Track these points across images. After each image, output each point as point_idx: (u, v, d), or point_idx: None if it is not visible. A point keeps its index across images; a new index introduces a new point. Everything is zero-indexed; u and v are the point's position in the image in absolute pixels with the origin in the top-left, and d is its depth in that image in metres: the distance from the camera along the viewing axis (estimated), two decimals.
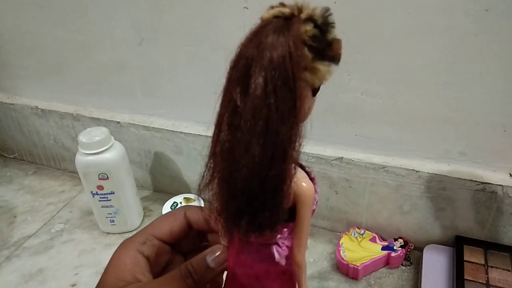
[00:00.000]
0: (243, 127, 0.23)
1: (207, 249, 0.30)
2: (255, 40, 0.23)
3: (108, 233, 0.76)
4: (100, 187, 0.69)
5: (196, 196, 0.78)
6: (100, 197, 0.71)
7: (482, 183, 0.58)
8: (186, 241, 0.34)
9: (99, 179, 0.68)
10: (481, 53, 0.51)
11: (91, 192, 0.70)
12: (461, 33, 0.51)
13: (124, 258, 0.30)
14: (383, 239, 0.67)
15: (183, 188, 0.80)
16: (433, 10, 0.51)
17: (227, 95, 0.25)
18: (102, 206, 0.72)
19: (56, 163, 0.93)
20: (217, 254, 0.29)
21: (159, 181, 0.83)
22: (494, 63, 0.51)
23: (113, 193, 0.70)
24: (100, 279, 0.31)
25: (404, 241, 0.65)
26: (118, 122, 0.78)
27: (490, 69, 0.52)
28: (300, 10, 0.24)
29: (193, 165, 0.77)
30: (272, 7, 0.25)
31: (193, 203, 0.76)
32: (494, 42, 0.50)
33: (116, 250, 0.32)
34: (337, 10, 0.58)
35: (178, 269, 0.29)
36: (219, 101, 0.25)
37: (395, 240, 0.66)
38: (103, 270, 0.32)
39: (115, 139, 0.72)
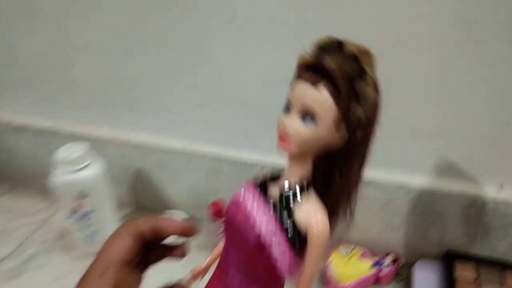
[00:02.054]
0: None
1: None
2: None
3: (87, 254, 0.72)
4: (78, 207, 0.66)
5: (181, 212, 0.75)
6: (79, 217, 0.67)
7: (472, 196, 0.58)
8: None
9: (78, 198, 0.65)
10: (470, 65, 0.51)
11: (69, 212, 0.67)
12: (450, 44, 0.50)
13: None
14: (373, 255, 0.65)
15: (166, 204, 0.78)
16: (421, 21, 0.50)
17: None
18: (81, 227, 0.68)
19: (33, 181, 0.89)
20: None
21: (142, 197, 0.80)
22: (483, 74, 0.51)
23: (92, 212, 0.67)
24: None
25: (394, 257, 0.64)
26: (98, 138, 0.76)
27: (480, 81, 0.52)
28: None
29: (176, 180, 0.74)
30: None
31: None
32: (483, 53, 0.50)
33: None
34: (328, 20, 0.57)
35: None
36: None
37: (385, 256, 0.64)
38: None
39: (94, 155, 0.69)
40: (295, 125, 0.31)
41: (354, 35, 0.54)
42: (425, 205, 0.60)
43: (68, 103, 0.77)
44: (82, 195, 0.65)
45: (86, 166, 0.64)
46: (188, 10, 0.60)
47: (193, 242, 0.73)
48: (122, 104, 0.73)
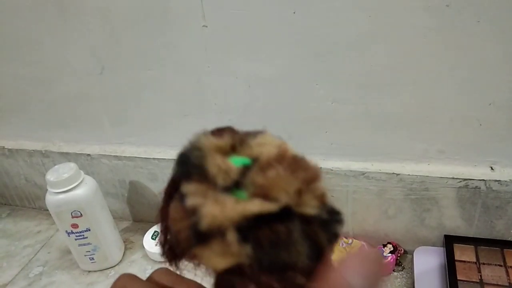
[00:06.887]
0: None
1: None
2: None
3: (90, 271, 0.72)
4: (75, 225, 0.66)
5: None
6: (76, 236, 0.67)
7: (464, 179, 0.57)
8: None
9: (73, 217, 0.65)
10: (447, 49, 0.50)
11: (66, 231, 0.67)
12: (424, 30, 0.49)
13: None
14: (372, 247, 0.65)
15: None
16: (393, 10, 0.49)
17: None
18: (79, 245, 0.68)
19: (31, 202, 0.90)
20: None
21: (138, 210, 0.80)
22: (461, 57, 0.50)
23: (89, 230, 0.67)
24: None
25: (393, 246, 0.64)
26: (89, 155, 0.76)
27: (458, 64, 0.51)
28: None
29: None
30: None
31: None
32: (459, 37, 0.49)
33: None
34: (297, 20, 0.56)
35: None
36: None
37: (384, 246, 0.64)
38: None
39: (87, 172, 0.69)
40: None
41: (326, 31, 0.53)
42: (419, 192, 0.60)
43: (54, 123, 0.77)
44: (76, 214, 0.65)
45: (76, 186, 0.65)
46: (160, 21, 0.59)
47: None
48: (108, 120, 0.73)
